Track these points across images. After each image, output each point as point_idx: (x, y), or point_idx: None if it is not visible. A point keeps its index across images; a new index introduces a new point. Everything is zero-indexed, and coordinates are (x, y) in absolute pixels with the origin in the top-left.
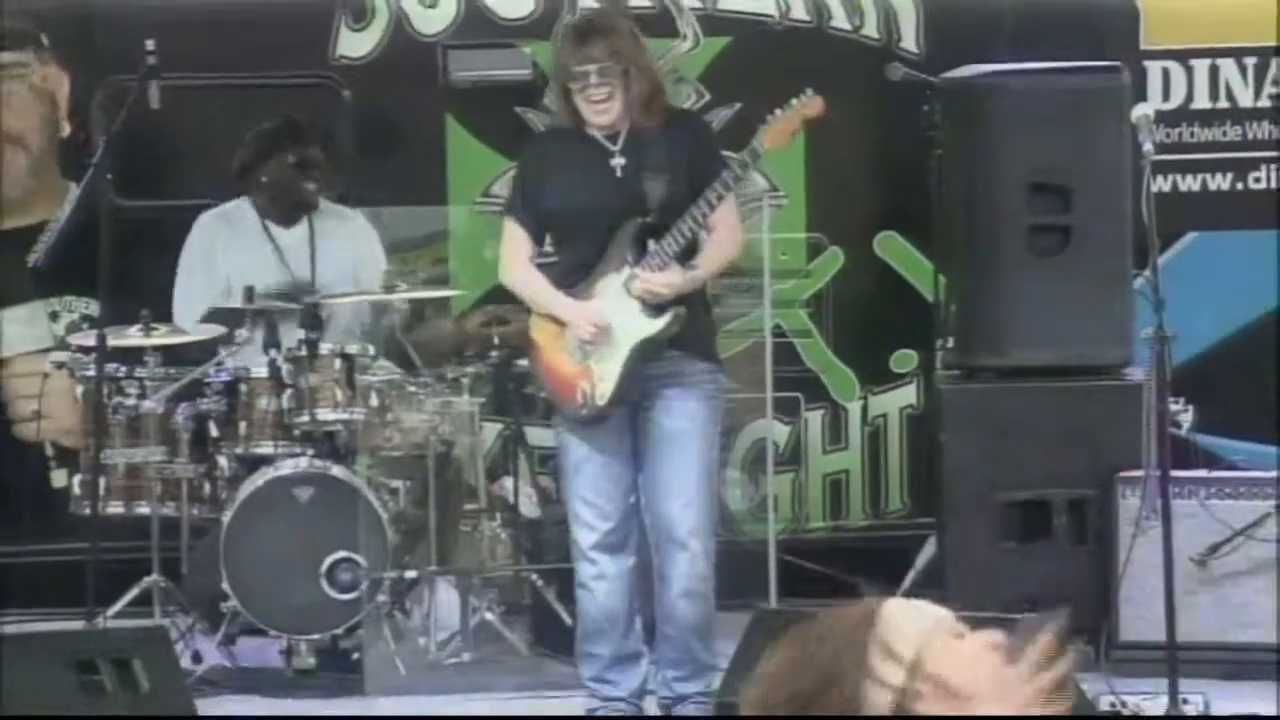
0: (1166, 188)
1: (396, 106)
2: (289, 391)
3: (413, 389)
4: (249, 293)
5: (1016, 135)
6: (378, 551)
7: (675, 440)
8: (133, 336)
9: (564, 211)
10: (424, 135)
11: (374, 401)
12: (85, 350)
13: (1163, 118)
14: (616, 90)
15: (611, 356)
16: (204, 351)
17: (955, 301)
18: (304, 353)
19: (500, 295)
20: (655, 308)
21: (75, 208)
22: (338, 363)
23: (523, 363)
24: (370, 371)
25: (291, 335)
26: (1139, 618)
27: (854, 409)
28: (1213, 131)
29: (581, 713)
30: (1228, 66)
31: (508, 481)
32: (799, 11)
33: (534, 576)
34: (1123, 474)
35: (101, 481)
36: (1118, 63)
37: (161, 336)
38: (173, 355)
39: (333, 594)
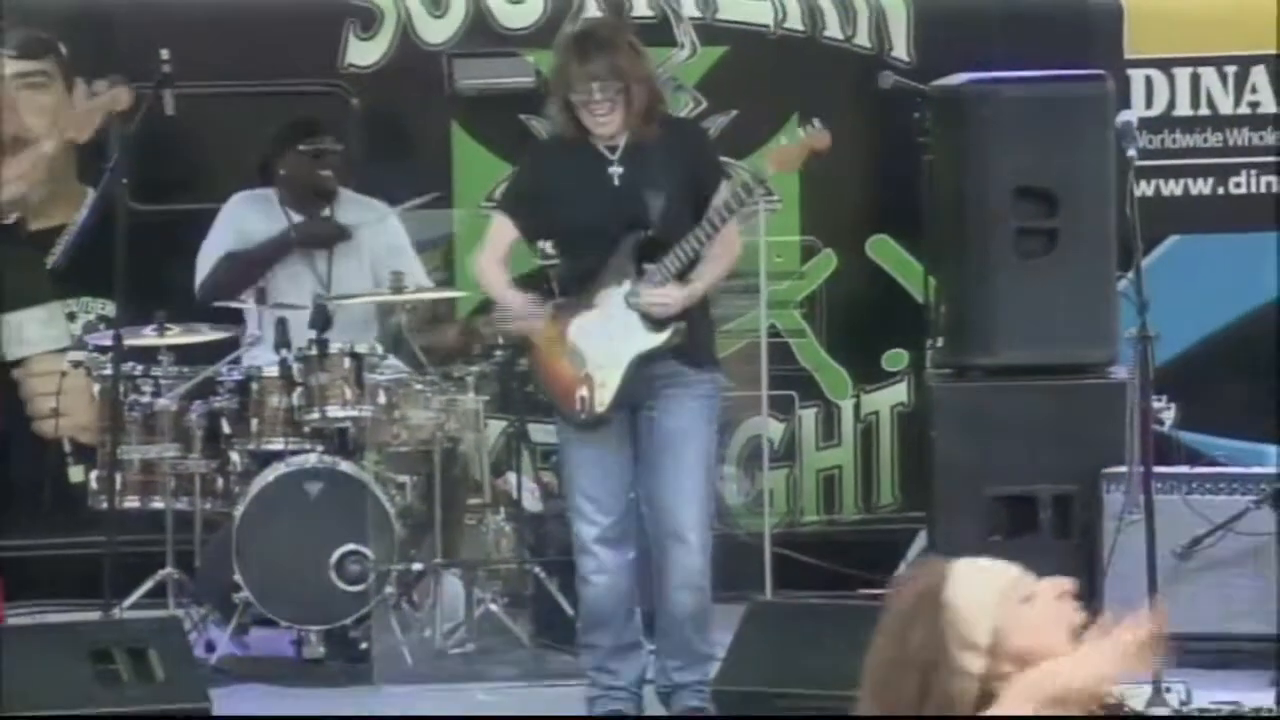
0: (1149, 192)
1: (403, 113)
2: (299, 389)
3: (419, 387)
4: (260, 294)
5: (1004, 141)
6: (385, 545)
7: (674, 439)
8: (148, 336)
9: (562, 219)
10: (430, 141)
11: (382, 399)
12: (102, 349)
13: (1146, 124)
14: (618, 104)
15: (612, 366)
16: (218, 350)
17: (945, 302)
18: (314, 352)
19: None
20: (656, 321)
21: (92, 211)
22: (347, 361)
23: (526, 362)
24: (378, 370)
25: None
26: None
27: (847, 407)
28: (1194, 138)
29: (582, 700)
30: (1209, 75)
31: (511, 477)
32: (793, 21)
33: (536, 569)
34: (1107, 470)
35: (118, 477)
36: (1102, 71)
37: (175, 336)
38: (186, 354)
39: (341, 586)
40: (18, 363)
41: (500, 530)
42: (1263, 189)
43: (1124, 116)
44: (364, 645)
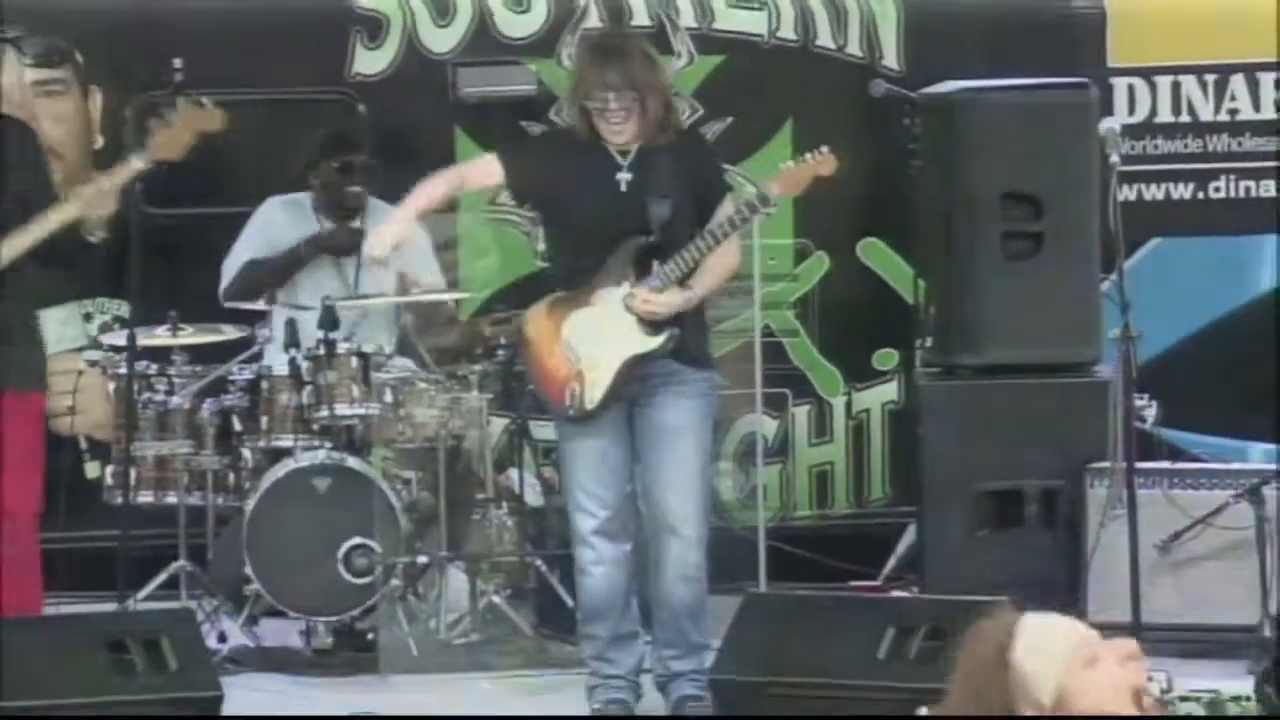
0: (1132, 197)
1: (409, 120)
2: (308, 388)
3: (424, 385)
4: (272, 297)
5: (991, 147)
6: (391, 538)
7: (671, 435)
8: (161, 336)
9: (565, 216)
10: (435, 147)
11: (388, 397)
12: (117, 349)
13: (1128, 131)
14: (633, 113)
15: (605, 366)
16: (230, 349)
17: (934, 303)
18: (322, 352)
19: (506, 298)
20: (652, 325)
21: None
22: (354, 361)
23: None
24: (385, 369)
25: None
26: (1106, 600)
27: (839, 404)
28: (1175, 144)
29: (582, 688)
30: (1189, 83)
31: (514, 472)
32: (786, 31)
33: (538, 561)
34: (1091, 465)
35: (132, 472)
36: (1086, 79)
37: (188, 336)
38: (199, 353)
39: (349, 578)
40: None
41: (503, 524)
42: (1241, 193)
43: (1107, 123)
44: (371, 635)
